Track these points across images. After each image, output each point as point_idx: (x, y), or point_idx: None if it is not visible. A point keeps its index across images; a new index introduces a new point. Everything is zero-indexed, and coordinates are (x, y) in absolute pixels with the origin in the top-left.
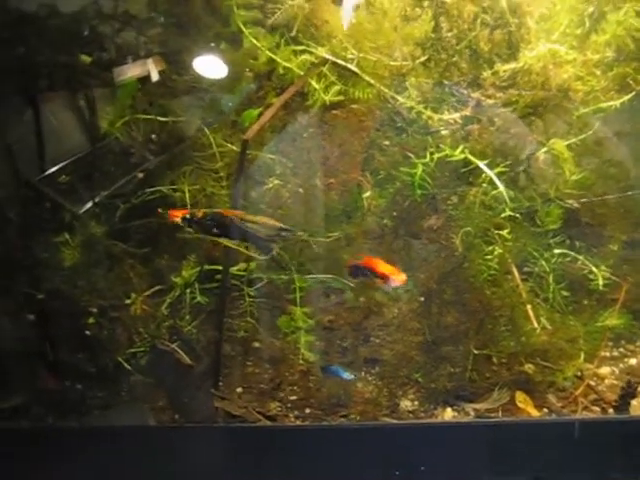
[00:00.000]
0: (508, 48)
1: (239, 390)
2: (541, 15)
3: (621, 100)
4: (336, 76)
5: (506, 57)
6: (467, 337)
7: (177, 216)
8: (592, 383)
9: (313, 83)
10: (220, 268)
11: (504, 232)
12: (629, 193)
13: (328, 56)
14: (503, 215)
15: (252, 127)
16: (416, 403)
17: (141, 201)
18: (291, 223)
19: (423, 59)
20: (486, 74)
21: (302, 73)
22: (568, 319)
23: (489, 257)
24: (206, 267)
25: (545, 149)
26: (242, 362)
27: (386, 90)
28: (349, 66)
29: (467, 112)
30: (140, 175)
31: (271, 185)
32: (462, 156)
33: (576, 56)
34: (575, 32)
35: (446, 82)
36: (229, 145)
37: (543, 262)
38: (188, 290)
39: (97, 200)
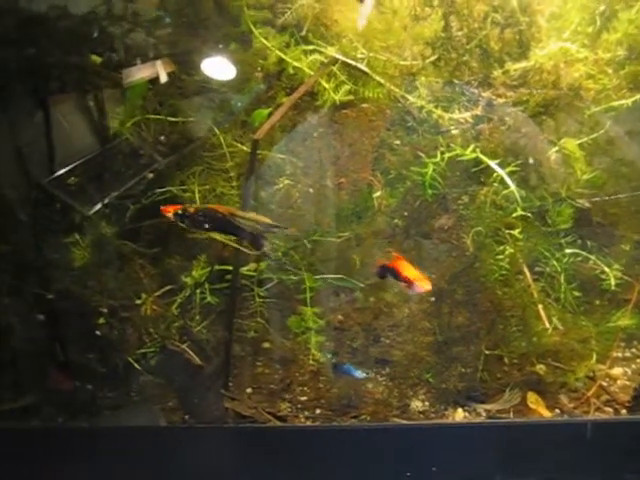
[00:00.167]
0: (519, 47)
1: (249, 391)
2: (552, 13)
3: (633, 99)
4: (346, 76)
5: (517, 56)
6: (478, 337)
7: (169, 212)
8: (604, 384)
9: (323, 83)
10: (230, 268)
11: (515, 232)
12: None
13: (338, 56)
14: (514, 215)
15: (262, 127)
16: (427, 404)
17: (151, 201)
18: (301, 223)
19: (433, 58)
20: (497, 73)
21: (312, 73)
22: (580, 319)
23: (500, 257)
24: (216, 267)
25: (556, 148)
26: (252, 362)
27: (396, 89)
28: (359, 66)
29: (478, 111)
30: (150, 175)
31: (281, 185)
32: (473, 155)
33: (587, 54)
34: (586, 30)
35: (456, 81)
36: (239, 145)
37: (554, 262)
38: (198, 290)
39: (107, 201)
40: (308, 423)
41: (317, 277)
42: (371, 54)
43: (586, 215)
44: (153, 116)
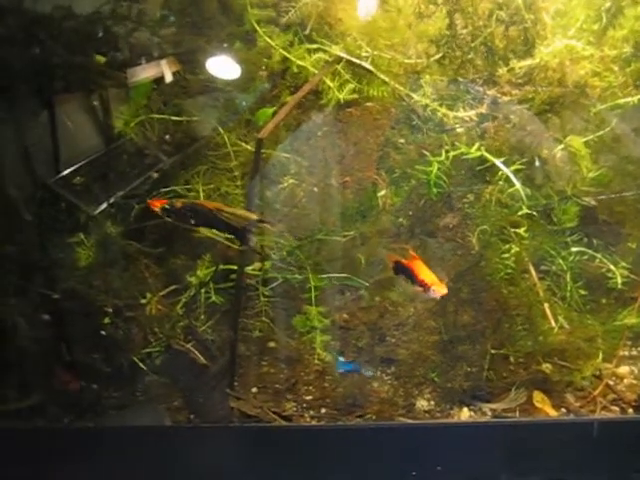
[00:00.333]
0: (524, 45)
1: (254, 390)
2: (557, 11)
3: (639, 96)
4: (350, 74)
5: (522, 54)
6: (484, 336)
7: (157, 206)
8: (611, 383)
9: (327, 81)
10: (235, 268)
11: (521, 230)
12: None
13: (342, 54)
14: (520, 213)
15: (266, 126)
16: (432, 403)
17: None
18: (306, 222)
19: (438, 56)
20: (502, 71)
21: (316, 71)
22: (586, 318)
23: (506, 255)
24: (221, 267)
25: (562, 146)
26: (257, 362)
27: (401, 88)
28: (363, 64)
29: (483, 109)
30: (155, 175)
31: (286, 184)
32: (478, 154)
33: (593, 52)
34: (592, 27)
35: (461, 79)
36: (243, 144)
37: (560, 260)
38: (203, 290)
39: (112, 201)
40: (313, 422)
41: (322, 276)
42: (375, 52)
43: (592, 213)
44: (157, 115)
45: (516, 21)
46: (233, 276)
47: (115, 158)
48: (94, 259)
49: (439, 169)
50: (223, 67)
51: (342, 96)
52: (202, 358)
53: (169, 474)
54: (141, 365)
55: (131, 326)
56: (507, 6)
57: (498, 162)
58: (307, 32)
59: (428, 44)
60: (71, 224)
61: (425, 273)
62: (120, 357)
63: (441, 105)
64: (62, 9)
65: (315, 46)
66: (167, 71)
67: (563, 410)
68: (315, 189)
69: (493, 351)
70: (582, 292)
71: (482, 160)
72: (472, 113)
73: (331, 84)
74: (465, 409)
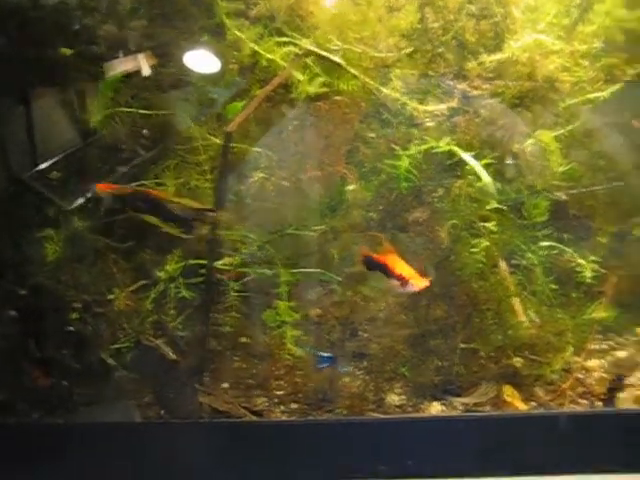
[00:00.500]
0: (494, 39)
1: (225, 385)
2: (527, 5)
3: (609, 91)
4: (320, 68)
5: (492, 48)
6: (455, 331)
7: (104, 190)
8: (580, 376)
9: (297, 75)
10: (205, 262)
11: (490, 225)
12: (613, 184)
13: (312, 48)
14: (489, 207)
15: (235, 119)
16: (403, 397)
17: None
18: (276, 216)
19: (408, 50)
20: (472, 65)
21: (286, 65)
22: (556, 312)
23: (475, 250)
24: (190, 262)
25: (532, 140)
26: (229, 357)
27: (371, 82)
28: (333, 58)
29: (453, 103)
30: (124, 169)
31: (256, 178)
32: (447, 148)
33: (563, 47)
34: (562, 22)
35: (432, 73)
36: (212, 138)
37: (531, 255)
38: (173, 285)
39: (89, 195)
40: (284, 418)
41: (293, 271)
42: (346, 46)
43: (563, 208)
44: (126, 109)
45: (486, 15)
46: (203, 271)
47: (90, 153)
48: (62, 254)
49: (409, 163)
50: (194, 60)
51: (312, 90)
52: (172, 354)
53: (139, 470)
54: (110, 361)
55: (100, 322)
56: (478, 0)
57: (467, 156)
58: (277, 25)
59: (399, 38)
60: (40, 219)
61: (402, 267)
62: (89, 353)
63: (411, 99)
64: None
65: (285, 39)
66: (144, 65)
67: (533, 404)
68: (285, 183)
69: (463, 345)
70: (552, 286)
71: (452, 154)
72: (442, 107)
73: (301, 78)
74: (436, 403)
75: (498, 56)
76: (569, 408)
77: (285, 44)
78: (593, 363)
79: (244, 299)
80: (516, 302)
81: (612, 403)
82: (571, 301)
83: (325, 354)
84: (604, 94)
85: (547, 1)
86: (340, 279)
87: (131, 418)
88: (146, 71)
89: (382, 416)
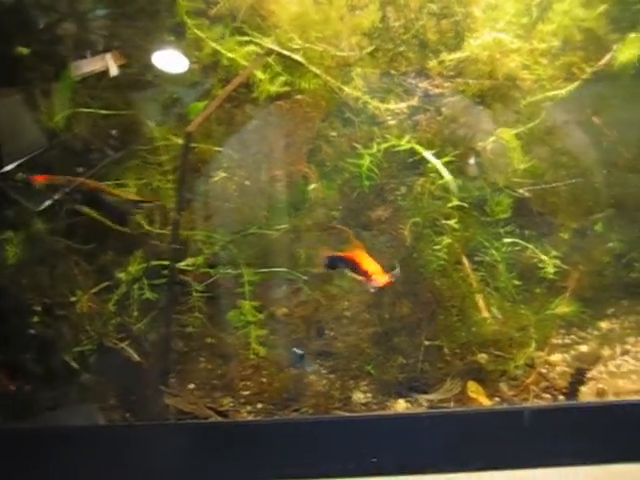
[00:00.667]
0: (455, 38)
1: (191, 386)
2: (488, 4)
3: (567, 89)
4: (282, 67)
5: (453, 47)
6: (419, 328)
7: (40, 182)
8: (543, 371)
9: (258, 74)
10: (167, 263)
11: (452, 222)
12: (574, 180)
13: (273, 47)
14: (451, 205)
15: (195, 119)
16: (369, 395)
17: None
18: (238, 216)
19: (370, 49)
20: (433, 64)
21: (247, 64)
22: (519, 308)
23: (438, 247)
24: (153, 262)
25: (493, 138)
26: (194, 358)
27: (333, 81)
28: (295, 57)
29: (414, 102)
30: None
31: (217, 178)
32: (408, 146)
33: (522, 45)
34: (521, 21)
35: (393, 72)
36: (173, 138)
37: (494, 251)
38: (136, 286)
39: (57, 197)
40: (250, 417)
41: (257, 271)
42: (307, 45)
43: (525, 204)
44: (85, 109)
45: (447, 14)
46: (165, 272)
47: (56, 154)
48: (23, 257)
49: (371, 162)
50: (156, 60)
51: (273, 89)
52: (135, 355)
53: (104, 474)
54: (74, 364)
55: (62, 325)
56: None
57: (427, 154)
58: (237, 24)
59: (360, 37)
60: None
61: (368, 263)
62: (52, 356)
63: (373, 98)
64: None
65: (246, 38)
66: (112, 64)
67: (497, 399)
68: (247, 183)
69: (428, 342)
70: (515, 282)
71: (414, 152)
72: (403, 105)
73: (262, 77)
74: (401, 401)
75: (459, 55)
76: (533, 403)
77: (246, 43)
78: (556, 357)
79: (210, 299)
80: (480, 298)
81: (574, 397)
82: (534, 297)
83: (299, 351)
84: (562, 92)
85: (507, 0)
86: (306, 278)
87: (95, 421)
88: (114, 71)
89: (348, 414)
